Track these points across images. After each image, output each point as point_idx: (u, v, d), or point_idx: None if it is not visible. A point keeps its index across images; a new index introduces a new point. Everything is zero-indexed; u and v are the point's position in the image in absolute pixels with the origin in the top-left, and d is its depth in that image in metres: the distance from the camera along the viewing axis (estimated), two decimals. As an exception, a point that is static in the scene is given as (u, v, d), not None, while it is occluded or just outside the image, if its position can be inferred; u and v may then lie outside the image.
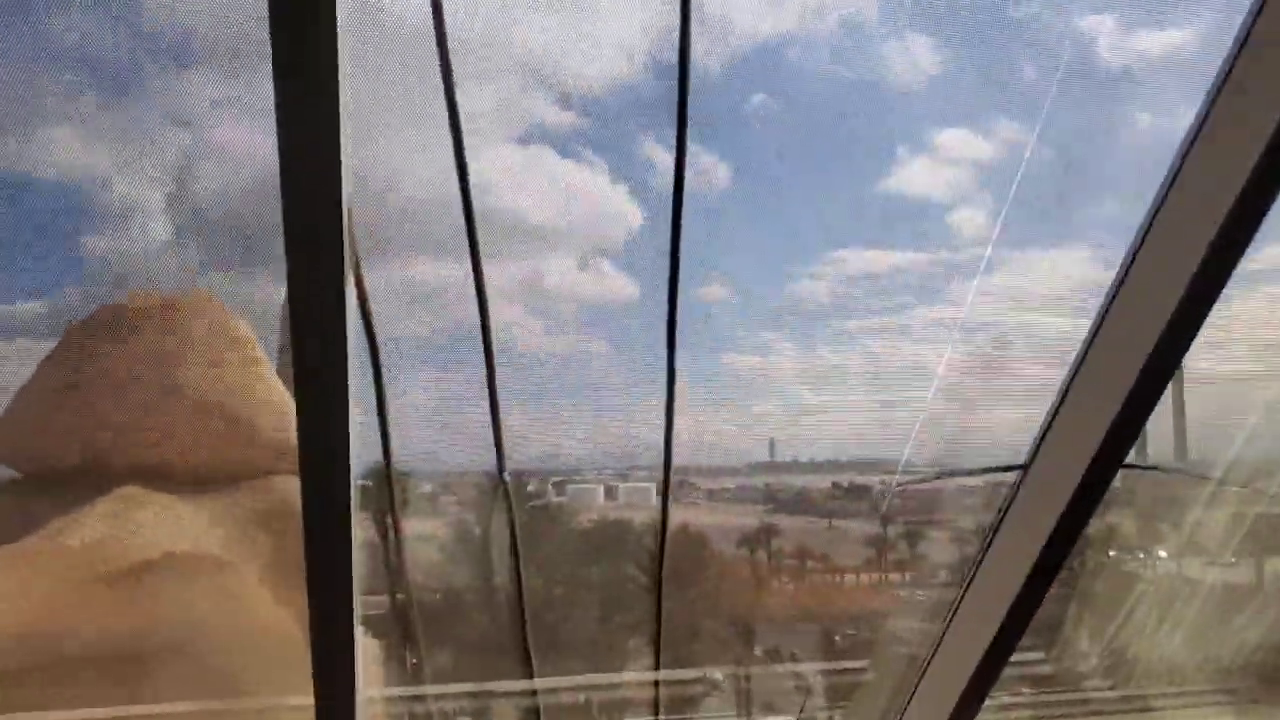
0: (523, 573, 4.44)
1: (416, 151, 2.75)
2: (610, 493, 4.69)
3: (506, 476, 4.24)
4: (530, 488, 4.18)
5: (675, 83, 2.84)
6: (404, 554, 4.46)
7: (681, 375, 3.53)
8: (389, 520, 4.33)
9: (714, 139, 3.07)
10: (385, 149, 2.93)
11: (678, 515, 5.13)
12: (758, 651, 5.61)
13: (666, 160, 3.11)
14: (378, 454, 4.03)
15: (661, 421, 3.40)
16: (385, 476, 3.68)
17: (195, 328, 3.17)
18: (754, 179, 3.42)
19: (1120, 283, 1.77)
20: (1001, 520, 2.10)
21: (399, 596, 4.62)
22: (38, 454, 3.47)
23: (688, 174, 3.05)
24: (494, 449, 2.55)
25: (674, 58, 2.87)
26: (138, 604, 3.61)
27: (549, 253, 2.98)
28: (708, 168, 2.97)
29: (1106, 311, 1.86)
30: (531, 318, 3.04)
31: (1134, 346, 1.74)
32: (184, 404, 3.31)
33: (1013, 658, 2.16)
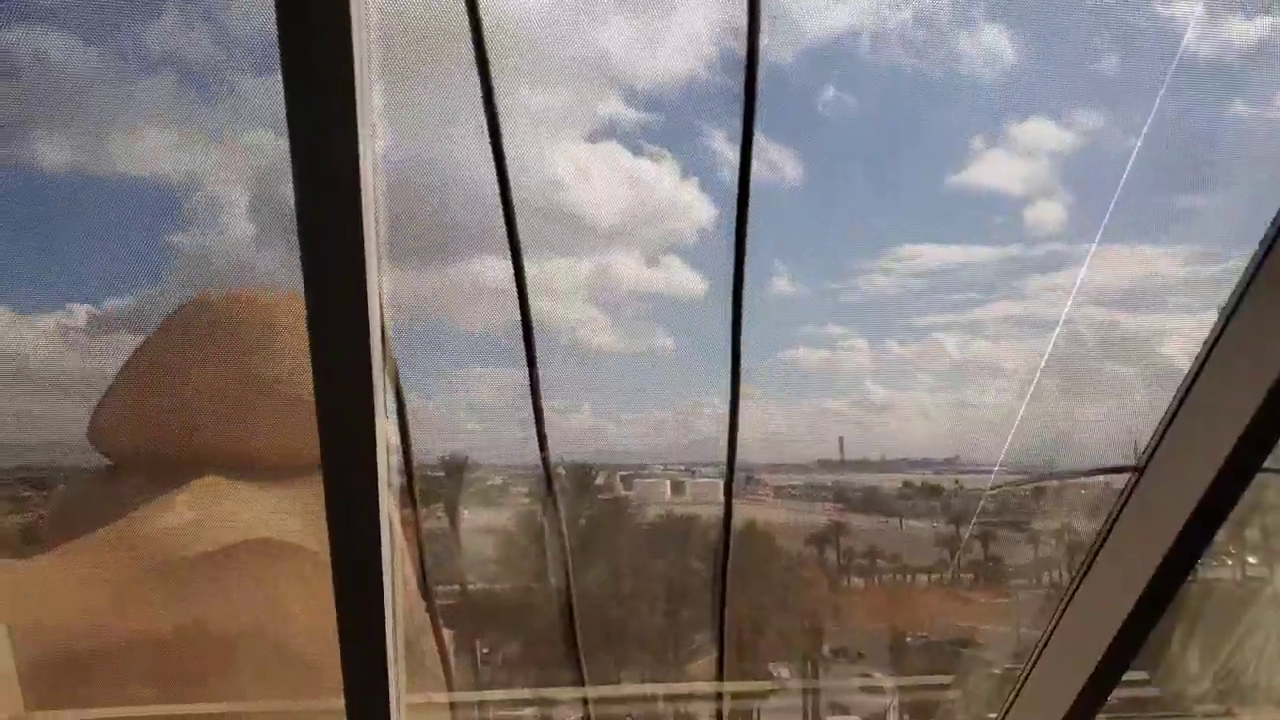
0: (570, 568, 4.44)
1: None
2: (677, 488, 4.68)
3: (560, 470, 4.24)
4: (598, 481, 4.19)
5: (743, 78, 2.80)
6: (468, 545, 4.53)
7: (749, 371, 3.48)
8: (455, 512, 4.40)
9: (784, 133, 3.03)
10: (462, 149, 2.98)
11: (745, 512, 5.09)
12: (825, 650, 5.53)
13: (735, 155, 3.08)
14: (447, 447, 4.10)
15: (728, 417, 3.37)
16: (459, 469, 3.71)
17: (277, 322, 3.26)
18: (824, 173, 3.37)
19: (1256, 268, 1.67)
20: (1112, 527, 1.97)
21: (466, 586, 4.68)
22: (128, 443, 3.61)
23: (757, 168, 3.02)
24: (538, 443, 2.53)
25: (743, 52, 2.84)
26: (219, 588, 3.73)
27: (618, 249, 2.98)
28: (778, 162, 2.93)
29: (1240, 300, 1.74)
30: (600, 313, 3.05)
31: (1275, 336, 1.62)
32: (264, 396, 3.40)
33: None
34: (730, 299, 3.19)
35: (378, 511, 1.79)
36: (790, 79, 2.62)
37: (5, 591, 3.07)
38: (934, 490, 6.40)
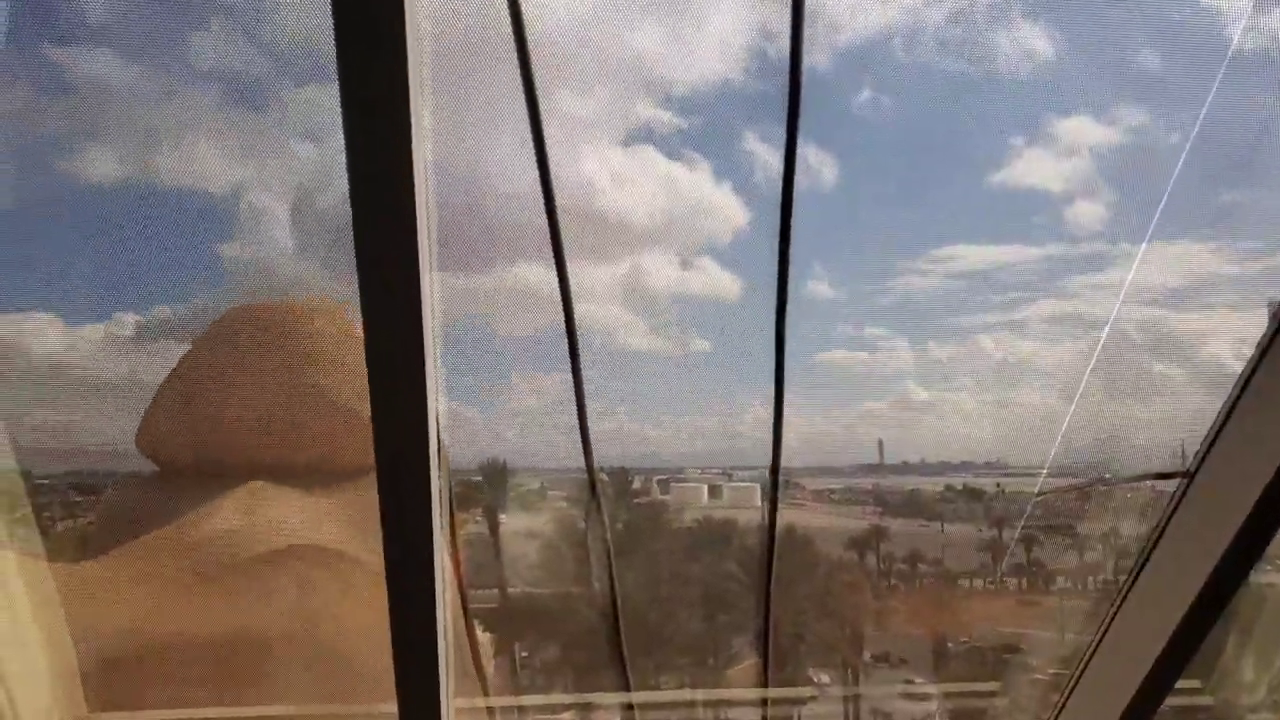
0: (614, 572, 4.43)
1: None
2: (714, 492, 4.67)
3: (603, 476, 4.23)
4: (635, 485, 4.21)
5: (778, 80, 2.78)
6: (508, 549, 4.55)
7: (788, 373, 3.46)
8: (495, 516, 4.42)
9: (820, 135, 3.02)
10: (507, 154, 3.00)
11: (783, 516, 5.03)
12: (866, 656, 5.49)
13: (770, 157, 3.08)
14: (485, 452, 4.12)
15: (767, 420, 3.35)
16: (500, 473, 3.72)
17: (319, 329, 3.31)
18: (861, 174, 3.34)
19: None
20: (1162, 532, 1.92)
21: (507, 590, 4.71)
22: (175, 450, 3.68)
23: (802, 170, 3.00)
24: (582, 448, 2.54)
25: (776, 55, 2.83)
26: (267, 592, 3.79)
27: (653, 252, 2.99)
28: (814, 164, 2.92)
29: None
30: (636, 317, 3.05)
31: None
32: (308, 402, 3.45)
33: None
34: (769, 301, 3.16)
35: (430, 517, 1.81)
36: (825, 80, 2.63)
37: (60, 595, 3.13)
38: (976, 494, 6.31)
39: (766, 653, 3.50)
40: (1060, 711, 2.30)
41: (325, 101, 2.84)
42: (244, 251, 2.72)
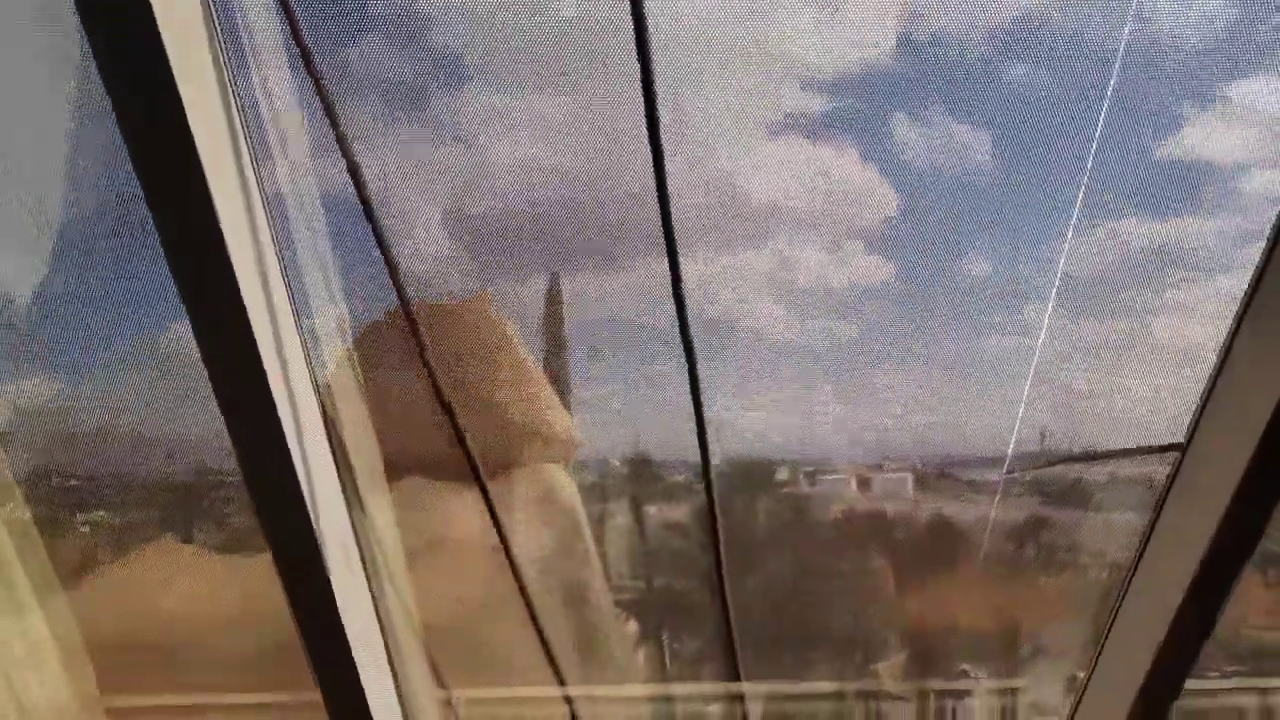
0: (754, 565, 4.39)
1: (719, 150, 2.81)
2: (863, 483, 4.55)
3: (718, 466, 4.17)
4: (780, 477, 4.15)
5: (924, 60, 2.67)
6: (651, 541, 4.57)
7: (940, 358, 3.34)
8: (639, 508, 4.46)
9: (972, 111, 2.86)
10: (626, 147, 3.00)
11: (934, 507, 4.88)
12: (1024, 650, 5.23)
13: (919, 139, 2.94)
14: (629, 445, 4.15)
15: (920, 408, 3.23)
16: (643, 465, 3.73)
17: (470, 330, 3.41)
18: (1016, 150, 3.16)
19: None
20: (1161, 508, 1.80)
21: (651, 582, 4.74)
22: (335, 447, 3.87)
23: (946, 149, 2.87)
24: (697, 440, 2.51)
25: (921, 34, 2.71)
26: (423, 585, 3.95)
27: (800, 239, 2.91)
28: (968, 142, 2.77)
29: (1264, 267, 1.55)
30: (781, 307, 2.99)
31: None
32: (460, 400, 3.56)
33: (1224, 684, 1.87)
34: (921, 286, 3.04)
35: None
36: (975, 53, 2.48)
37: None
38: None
39: (911, 647, 3.37)
40: (1078, 705, 2.20)
41: (474, 105, 2.90)
42: (397, 255, 2.82)
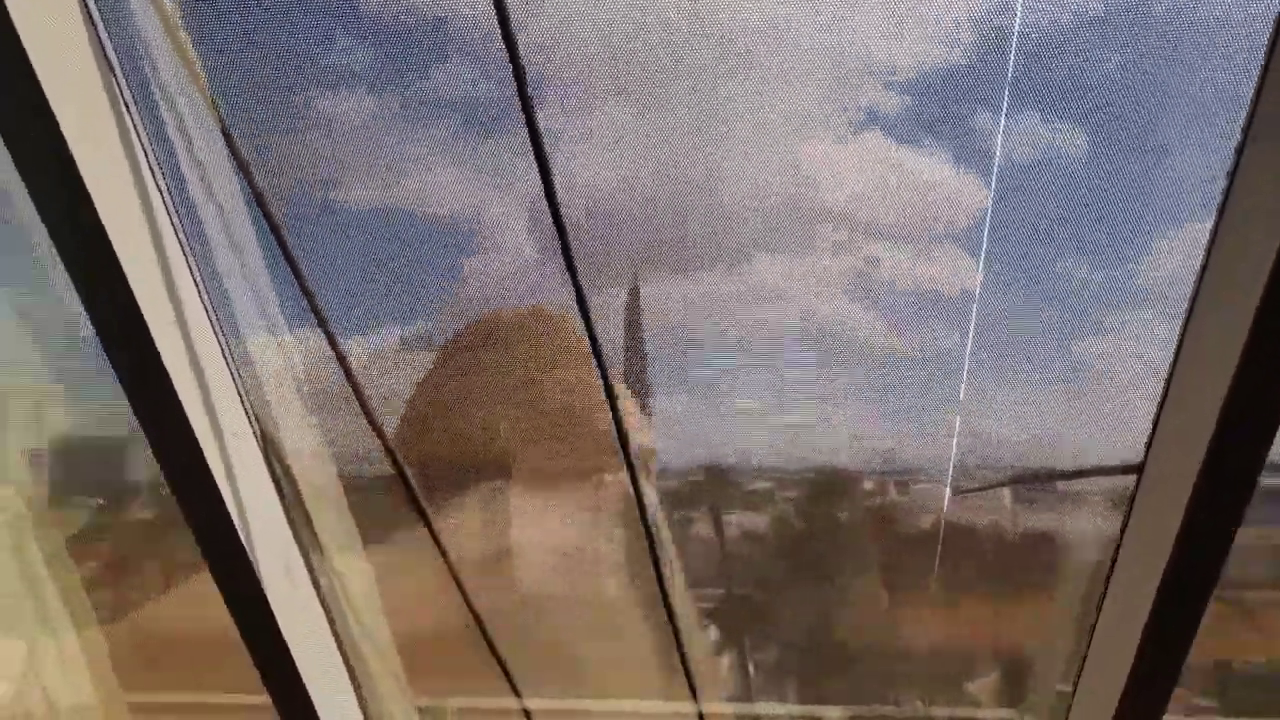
0: (836, 577, 4.28)
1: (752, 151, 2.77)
2: (958, 493, 4.38)
3: (804, 473, 4.10)
4: (867, 486, 4.04)
5: (1010, 55, 2.57)
6: (731, 550, 4.50)
7: (1038, 364, 3.21)
8: (719, 516, 4.40)
9: (1067, 106, 2.73)
10: (701, 157, 2.97)
11: (1033, 521, 4.68)
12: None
13: (1010, 135, 2.81)
14: (702, 452, 4.10)
15: (1019, 416, 3.11)
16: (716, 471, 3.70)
17: (550, 339, 3.43)
18: (1110, 145, 2.99)
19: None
20: (1123, 533, 1.73)
21: (731, 590, 4.67)
22: (426, 452, 3.94)
23: (1039, 145, 2.76)
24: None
25: (1010, 26, 2.61)
26: (505, 587, 3.98)
27: (886, 243, 2.83)
28: (1056, 140, 2.64)
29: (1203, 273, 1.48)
30: (868, 311, 2.91)
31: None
32: (540, 407, 3.58)
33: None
34: (1015, 288, 2.92)
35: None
36: (1059, 48, 2.35)
37: (417, 589, 3.38)
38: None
39: (1004, 671, 3.24)
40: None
41: (552, 123, 2.91)
42: (484, 264, 2.86)
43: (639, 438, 3.90)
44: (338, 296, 3.01)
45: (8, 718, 3.55)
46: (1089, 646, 1.98)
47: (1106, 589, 1.84)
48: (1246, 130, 1.41)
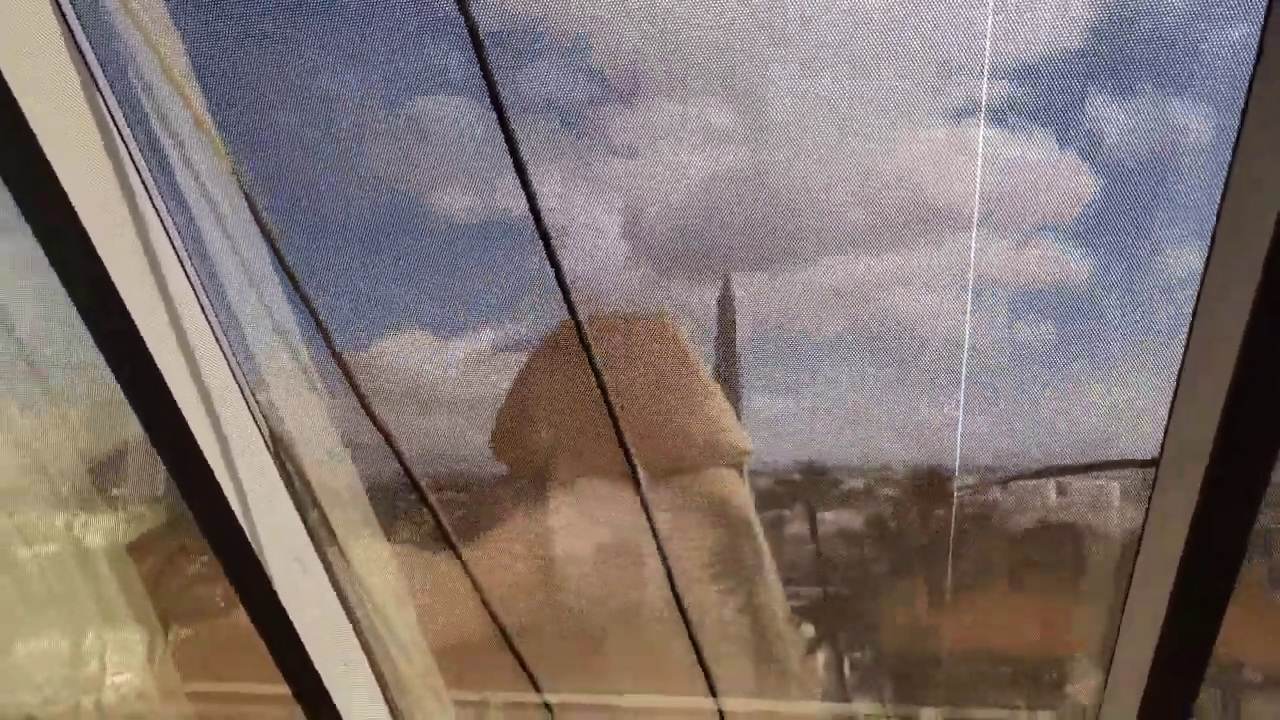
0: (932, 576, 4.21)
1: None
2: (1062, 490, 4.25)
3: (901, 471, 4.03)
4: (968, 483, 3.95)
5: (1118, 38, 2.51)
6: (826, 549, 4.46)
7: (1142, 357, 3.13)
8: (814, 515, 4.36)
9: (1181, 88, 2.61)
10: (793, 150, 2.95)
11: (1137, 516, 4.48)
12: (1253, 676, 4.72)
13: (1118, 120, 2.71)
14: (795, 453, 4.07)
15: (1127, 411, 3.00)
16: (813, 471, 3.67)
17: (643, 338, 3.45)
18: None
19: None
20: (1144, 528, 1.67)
21: (826, 589, 4.63)
22: (520, 452, 4.01)
23: (1151, 130, 2.66)
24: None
25: (1112, 9, 2.52)
26: (599, 582, 4.02)
27: (988, 233, 2.76)
28: (1180, 122, 2.53)
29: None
30: (971, 303, 2.84)
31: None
32: (633, 406, 3.60)
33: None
34: (1124, 280, 2.82)
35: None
36: (1182, 26, 2.24)
37: (440, 583, 3.47)
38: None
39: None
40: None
41: (642, 120, 2.92)
42: (575, 267, 2.89)
43: (732, 436, 3.90)
44: (420, 301, 3.12)
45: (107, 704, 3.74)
46: (1116, 641, 1.93)
47: (1130, 585, 1.80)
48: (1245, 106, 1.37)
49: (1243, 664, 4.85)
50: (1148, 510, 1.77)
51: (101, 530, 3.69)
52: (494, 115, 2.09)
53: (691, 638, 2.74)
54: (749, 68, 2.78)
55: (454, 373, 3.46)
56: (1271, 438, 1.47)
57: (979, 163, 2.74)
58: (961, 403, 3.19)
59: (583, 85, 2.75)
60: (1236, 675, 4.73)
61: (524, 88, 2.75)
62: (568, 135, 2.82)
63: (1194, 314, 1.57)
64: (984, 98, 2.61)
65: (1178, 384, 1.62)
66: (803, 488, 4.17)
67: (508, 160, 2.14)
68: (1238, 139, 1.45)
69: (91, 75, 1.76)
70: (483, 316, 3.42)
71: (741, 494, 4.12)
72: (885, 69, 2.69)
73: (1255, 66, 1.38)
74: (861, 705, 4.52)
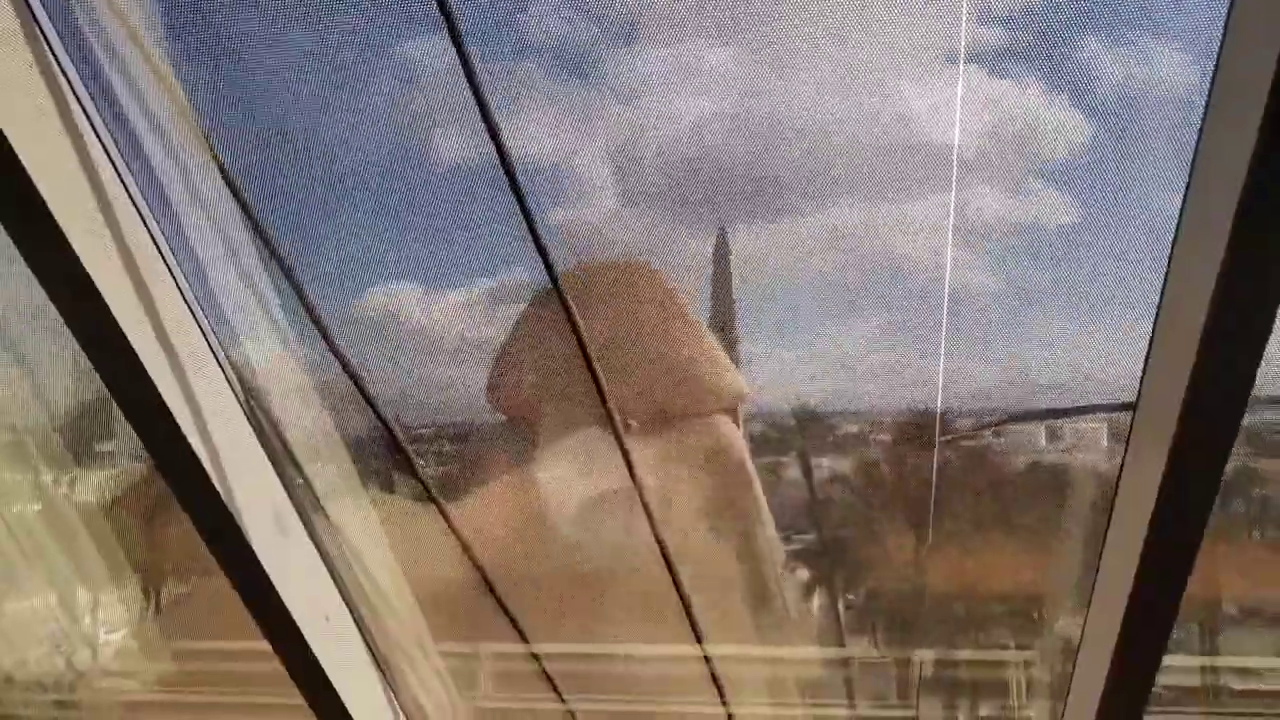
0: (929, 521, 4.26)
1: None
2: (1053, 434, 4.29)
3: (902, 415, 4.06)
4: (960, 426, 3.99)
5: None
6: (822, 493, 4.52)
7: (1136, 302, 3.11)
8: (807, 460, 4.41)
9: (1175, 25, 2.59)
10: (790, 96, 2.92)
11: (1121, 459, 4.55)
12: (1233, 611, 4.84)
13: (1110, 66, 2.69)
14: (790, 399, 4.10)
15: (1117, 355, 3.04)
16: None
17: (637, 289, 3.45)
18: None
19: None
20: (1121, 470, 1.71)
21: (821, 534, 4.70)
22: (516, 401, 4.03)
23: (1143, 76, 2.65)
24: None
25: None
26: (596, 531, 4.07)
27: (981, 180, 2.76)
28: (1171, 63, 2.52)
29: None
30: (964, 251, 2.85)
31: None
32: (629, 356, 3.62)
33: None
34: (1116, 224, 2.84)
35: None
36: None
37: (425, 535, 3.48)
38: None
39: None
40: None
41: (641, 66, 2.89)
42: (573, 217, 2.88)
43: (728, 383, 3.92)
44: (425, 247, 3.09)
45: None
46: (1094, 579, 1.98)
47: (1109, 524, 1.84)
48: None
49: (1219, 599, 4.97)
50: (1125, 452, 1.80)
51: (90, 485, 3.68)
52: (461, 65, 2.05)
53: (676, 584, 2.77)
54: (744, 8, 2.74)
55: (439, 324, 3.46)
56: (1245, 379, 1.50)
57: (958, 106, 2.73)
58: (942, 345, 3.22)
59: (581, 28, 2.71)
60: (1214, 610, 4.85)
61: (526, 32, 2.71)
62: (562, 79, 2.80)
63: (1170, 256, 1.59)
64: (980, 43, 2.60)
65: (1154, 326, 1.64)
66: (798, 432, 4.21)
67: (476, 111, 2.10)
68: (1213, 80, 1.46)
69: (32, 6, 1.67)
70: (464, 268, 3.40)
71: (737, 439, 4.16)
72: (882, 14, 2.66)
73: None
74: (854, 648, 4.61)
